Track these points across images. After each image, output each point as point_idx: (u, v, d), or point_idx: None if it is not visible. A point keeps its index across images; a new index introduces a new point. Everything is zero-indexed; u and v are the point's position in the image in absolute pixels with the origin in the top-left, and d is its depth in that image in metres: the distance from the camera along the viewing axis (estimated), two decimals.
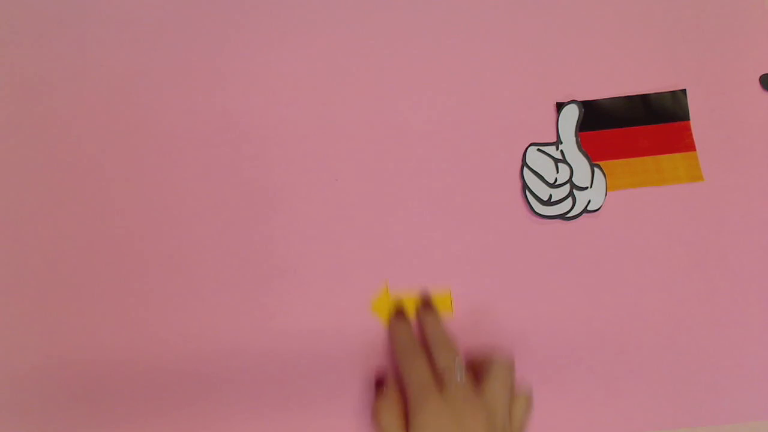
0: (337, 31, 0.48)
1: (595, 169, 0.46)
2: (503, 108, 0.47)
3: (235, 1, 0.49)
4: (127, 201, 0.45)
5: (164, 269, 0.44)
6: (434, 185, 0.46)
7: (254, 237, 0.45)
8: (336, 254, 0.45)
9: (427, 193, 0.45)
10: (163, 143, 0.46)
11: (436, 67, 0.48)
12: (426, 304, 0.44)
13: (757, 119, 0.47)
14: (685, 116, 0.47)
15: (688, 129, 0.47)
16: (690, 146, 0.46)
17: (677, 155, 0.46)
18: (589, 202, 0.45)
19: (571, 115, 0.47)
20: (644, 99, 0.47)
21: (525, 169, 0.46)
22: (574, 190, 0.45)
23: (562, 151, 0.46)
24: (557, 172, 0.46)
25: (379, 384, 0.42)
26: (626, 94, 0.47)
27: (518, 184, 0.46)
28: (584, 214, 0.45)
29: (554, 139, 0.46)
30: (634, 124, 0.47)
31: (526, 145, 0.46)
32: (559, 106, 0.47)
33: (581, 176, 0.46)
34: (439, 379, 0.38)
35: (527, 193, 0.45)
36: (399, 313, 0.43)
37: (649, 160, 0.46)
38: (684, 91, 0.47)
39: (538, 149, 0.46)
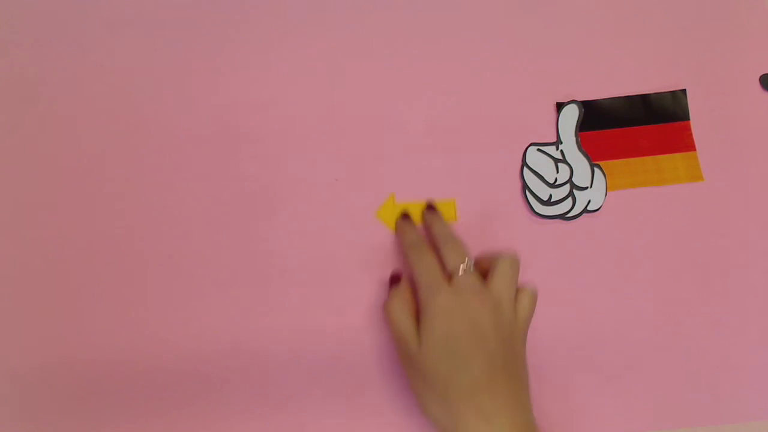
0: (337, 31, 0.48)
1: (595, 169, 0.46)
2: (503, 108, 0.47)
3: (234, 1, 0.49)
4: (127, 201, 0.45)
5: (164, 269, 0.44)
6: (434, 185, 0.45)
7: (254, 237, 0.45)
8: (336, 254, 0.45)
9: (427, 194, 0.45)
10: (164, 143, 0.46)
11: (436, 67, 0.48)
12: (431, 208, 0.45)
13: (757, 119, 0.47)
14: (685, 116, 0.47)
15: (688, 129, 0.47)
16: (690, 146, 0.46)
17: (677, 155, 0.46)
18: (589, 202, 0.45)
19: (571, 115, 0.47)
20: (644, 99, 0.47)
21: (525, 169, 0.46)
22: (574, 190, 0.45)
23: (562, 151, 0.46)
24: (557, 172, 0.46)
25: (394, 282, 0.42)
26: (626, 94, 0.47)
27: (518, 184, 0.46)
28: (584, 214, 0.45)
29: (554, 139, 0.46)
30: (634, 124, 0.47)
31: (526, 145, 0.46)
32: (559, 106, 0.47)
33: (581, 176, 0.46)
34: (447, 274, 0.39)
35: (527, 193, 0.45)
36: (405, 215, 0.45)
37: (649, 160, 0.46)
38: (684, 91, 0.47)
39: (538, 149, 0.46)
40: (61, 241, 0.45)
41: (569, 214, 0.45)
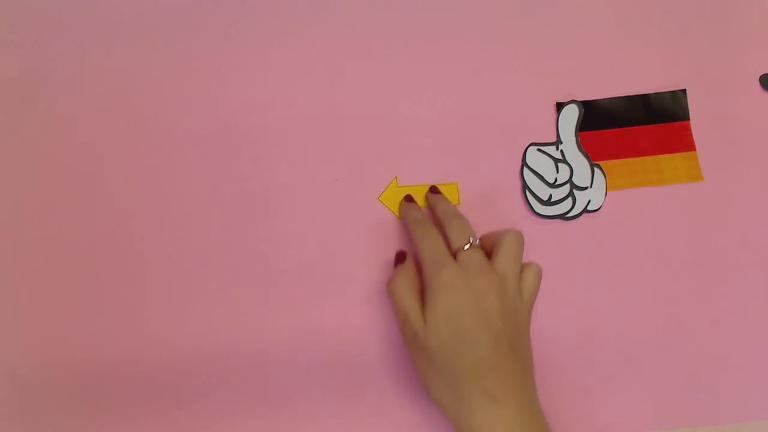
0: (337, 32, 0.48)
1: (595, 169, 0.46)
2: (503, 108, 0.47)
3: (235, 2, 0.49)
4: (127, 201, 0.45)
5: (164, 269, 0.44)
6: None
7: (254, 237, 0.45)
8: (336, 254, 0.45)
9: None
10: (164, 143, 0.46)
11: (436, 67, 0.48)
12: (434, 190, 0.45)
13: (757, 119, 0.47)
14: (685, 116, 0.47)
15: (688, 129, 0.47)
16: (690, 146, 0.46)
17: (677, 155, 0.46)
18: (589, 202, 0.45)
19: (571, 115, 0.47)
20: (644, 99, 0.47)
21: (525, 169, 0.46)
22: (574, 190, 0.45)
23: (562, 151, 0.46)
24: (557, 172, 0.46)
25: (399, 261, 0.42)
26: (626, 94, 0.47)
27: (518, 184, 0.46)
28: (584, 214, 0.45)
29: (554, 139, 0.46)
30: (634, 124, 0.47)
31: (526, 145, 0.46)
32: (559, 106, 0.47)
33: (581, 176, 0.46)
34: (453, 252, 0.39)
35: (527, 193, 0.45)
36: (408, 197, 0.44)
37: (649, 160, 0.46)
38: (684, 91, 0.47)
39: (538, 149, 0.46)
40: (61, 241, 0.45)
41: (569, 214, 0.45)
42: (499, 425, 0.35)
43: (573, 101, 0.47)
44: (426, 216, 0.42)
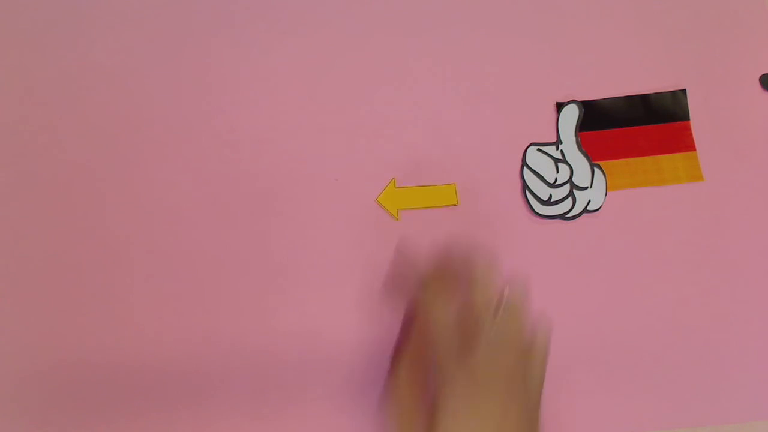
0: (336, 31, 0.48)
1: (595, 169, 0.46)
2: (503, 108, 0.47)
3: (235, 2, 0.49)
4: (127, 202, 0.45)
5: (165, 270, 0.44)
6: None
7: (254, 237, 0.45)
8: (335, 255, 0.45)
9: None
10: (164, 143, 0.46)
11: (436, 67, 0.48)
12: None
13: (757, 119, 0.47)
14: (685, 116, 0.47)
15: (688, 129, 0.47)
16: (690, 146, 0.46)
17: (677, 155, 0.46)
18: (589, 202, 0.45)
19: (571, 115, 0.47)
20: (644, 99, 0.47)
21: (525, 169, 0.46)
22: (574, 190, 0.45)
23: (562, 151, 0.46)
24: (557, 172, 0.46)
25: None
26: (626, 94, 0.47)
27: (518, 184, 0.46)
28: (584, 214, 0.45)
29: (554, 139, 0.46)
30: (634, 124, 0.47)
31: (526, 145, 0.46)
32: (559, 106, 0.47)
33: (581, 176, 0.46)
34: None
35: (527, 193, 0.45)
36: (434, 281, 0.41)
37: (649, 160, 0.46)
38: (684, 91, 0.47)
39: (538, 149, 0.46)
40: (61, 243, 0.45)
41: (569, 214, 0.45)
42: None
43: (573, 101, 0.47)
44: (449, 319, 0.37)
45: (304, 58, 0.48)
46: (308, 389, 0.43)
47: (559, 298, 0.44)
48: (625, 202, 0.45)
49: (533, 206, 0.45)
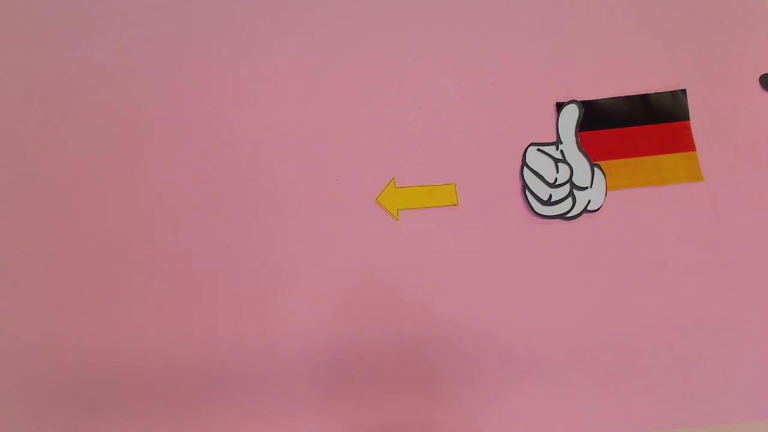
0: (336, 31, 0.48)
1: (595, 169, 0.46)
2: (503, 108, 0.47)
3: (235, 3, 0.49)
4: (127, 202, 0.45)
5: (164, 270, 0.44)
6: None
7: (254, 237, 0.45)
8: (335, 255, 0.45)
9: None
10: (163, 144, 0.46)
11: (436, 67, 0.48)
12: None
13: (757, 119, 0.47)
14: (685, 116, 0.47)
15: (688, 129, 0.47)
16: (690, 146, 0.46)
17: (677, 155, 0.46)
18: (589, 202, 0.45)
19: (571, 115, 0.47)
20: (644, 99, 0.47)
21: (525, 169, 0.46)
22: (574, 190, 0.45)
23: (562, 151, 0.46)
24: (557, 172, 0.46)
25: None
26: (626, 94, 0.47)
27: (518, 184, 0.46)
28: (584, 214, 0.45)
29: (554, 139, 0.46)
30: (634, 124, 0.47)
31: (526, 145, 0.46)
32: (559, 106, 0.47)
33: (581, 176, 0.46)
34: None
35: (527, 193, 0.45)
36: None
37: (649, 160, 0.46)
38: (684, 91, 0.47)
39: (538, 149, 0.46)
40: (61, 243, 0.45)
41: (569, 214, 0.45)
42: None
43: (573, 101, 0.47)
44: None
45: (304, 58, 0.48)
46: (308, 389, 0.43)
47: (559, 298, 0.44)
48: (625, 202, 0.45)
49: (533, 206, 0.45)
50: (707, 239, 0.45)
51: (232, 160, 0.46)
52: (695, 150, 0.46)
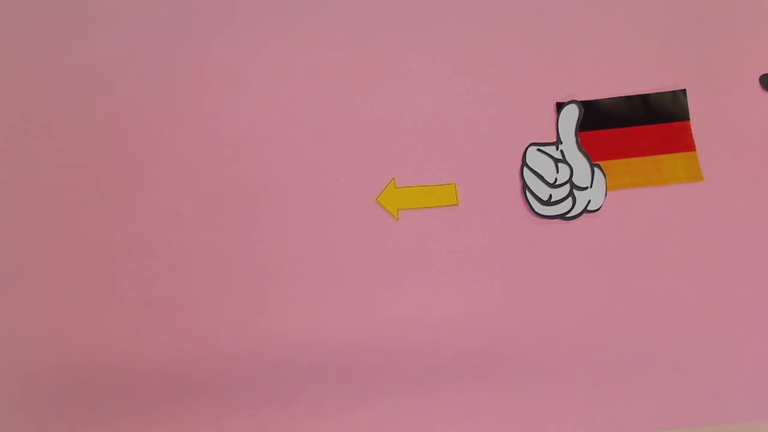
0: (336, 31, 0.48)
1: (595, 169, 0.46)
2: (503, 108, 0.47)
3: (235, 3, 0.49)
4: (125, 203, 0.45)
5: (164, 271, 0.44)
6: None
7: (253, 237, 0.45)
8: (335, 255, 0.45)
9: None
10: (163, 145, 0.46)
11: (436, 67, 0.48)
12: None
13: (757, 119, 0.47)
14: (685, 116, 0.47)
15: (688, 129, 0.47)
16: (690, 146, 0.46)
17: (677, 155, 0.46)
18: (589, 202, 0.45)
19: (571, 115, 0.47)
20: (644, 99, 0.47)
21: (525, 169, 0.46)
22: (574, 190, 0.45)
23: (562, 151, 0.46)
24: (557, 172, 0.46)
25: None
26: (626, 94, 0.47)
27: (518, 184, 0.46)
28: (584, 214, 0.45)
29: (554, 139, 0.46)
30: (634, 124, 0.47)
31: (526, 145, 0.46)
32: (559, 106, 0.47)
33: (581, 176, 0.46)
34: None
35: (527, 193, 0.45)
36: None
37: (649, 160, 0.46)
38: (684, 91, 0.47)
39: (538, 149, 0.46)
40: (60, 243, 0.45)
41: (569, 214, 0.45)
42: None
43: (573, 101, 0.47)
44: None
45: (304, 57, 0.48)
46: (308, 389, 0.43)
47: (559, 298, 0.44)
48: (625, 202, 0.45)
49: (533, 206, 0.45)
50: (707, 239, 0.45)
51: (232, 160, 0.46)
52: (695, 150, 0.46)
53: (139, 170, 0.46)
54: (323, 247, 0.45)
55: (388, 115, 0.47)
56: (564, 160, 0.46)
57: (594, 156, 0.46)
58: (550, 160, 0.46)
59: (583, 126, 0.46)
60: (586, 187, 0.45)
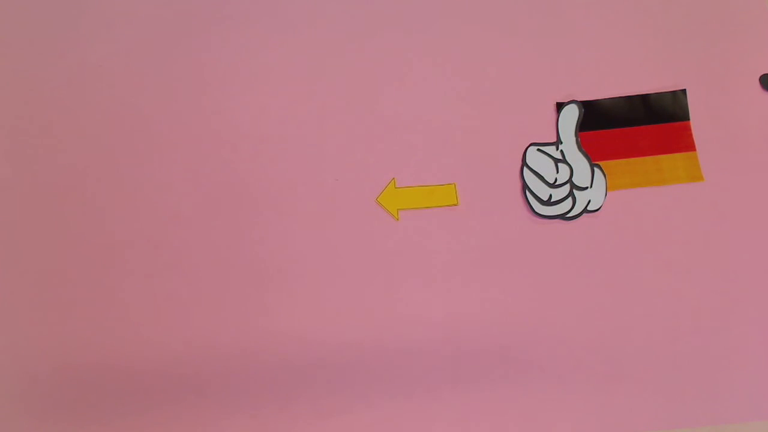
0: (336, 31, 0.48)
1: (595, 169, 0.46)
2: (503, 108, 0.47)
3: (235, 4, 0.49)
4: (125, 203, 0.45)
5: (164, 271, 0.44)
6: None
7: (253, 237, 0.45)
8: (335, 255, 0.45)
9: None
10: (163, 144, 0.46)
11: (436, 67, 0.48)
12: None
13: (757, 119, 0.47)
14: (685, 116, 0.47)
15: (688, 129, 0.47)
16: (690, 146, 0.46)
17: (677, 155, 0.46)
18: (589, 202, 0.45)
19: (571, 115, 0.47)
20: (644, 99, 0.47)
21: (525, 169, 0.46)
22: (574, 190, 0.45)
23: (562, 151, 0.46)
24: (557, 172, 0.46)
25: None
26: (626, 94, 0.47)
27: (518, 184, 0.46)
28: (584, 214, 0.45)
29: (554, 139, 0.46)
30: (634, 124, 0.47)
31: (526, 145, 0.46)
32: (559, 106, 0.47)
33: (581, 176, 0.46)
34: None
35: (527, 193, 0.45)
36: None
37: (649, 160, 0.46)
38: (684, 91, 0.47)
39: (538, 149, 0.46)
40: (60, 244, 0.45)
41: (569, 214, 0.45)
42: None
43: (573, 101, 0.47)
44: None
45: (304, 57, 0.48)
46: (308, 389, 0.43)
47: (559, 298, 0.44)
48: (625, 202, 0.45)
49: (533, 206, 0.45)
50: (707, 239, 0.45)
51: (232, 160, 0.46)
52: (695, 150, 0.46)
53: (139, 170, 0.46)
54: (323, 247, 0.45)
55: (388, 115, 0.47)
56: (564, 160, 0.46)
57: (594, 156, 0.46)
58: (550, 160, 0.46)
59: (583, 126, 0.46)
60: (586, 187, 0.45)
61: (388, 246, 0.45)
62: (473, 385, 0.43)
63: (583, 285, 0.44)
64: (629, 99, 0.47)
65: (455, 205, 0.45)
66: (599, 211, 0.45)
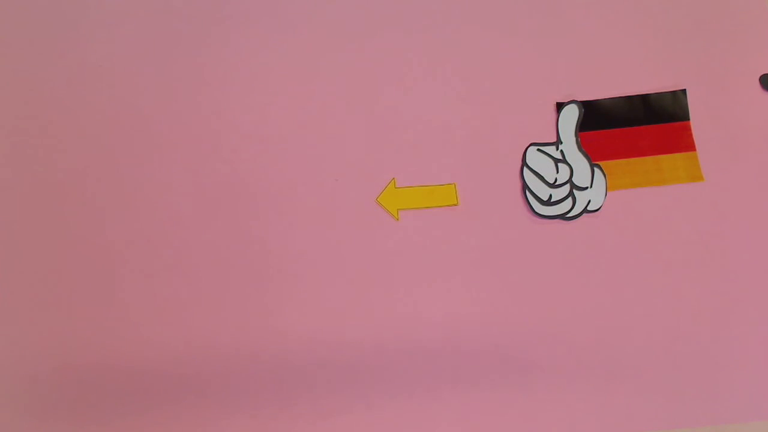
0: (336, 31, 0.48)
1: (595, 169, 0.46)
2: (503, 108, 0.47)
3: (234, 4, 0.49)
4: (125, 204, 0.45)
5: (164, 271, 0.44)
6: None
7: (253, 237, 0.45)
8: (335, 255, 0.45)
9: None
10: (163, 145, 0.46)
11: (436, 67, 0.48)
12: None
13: (757, 119, 0.47)
14: (685, 116, 0.47)
15: (688, 129, 0.47)
16: (690, 146, 0.46)
17: (677, 155, 0.46)
18: (589, 202, 0.45)
19: (571, 115, 0.47)
20: (644, 99, 0.47)
21: (525, 169, 0.46)
22: (574, 190, 0.45)
23: (562, 151, 0.46)
24: (557, 172, 0.46)
25: None
26: (626, 94, 0.47)
27: (518, 184, 0.46)
28: (584, 214, 0.45)
29: (554, 139, 0.46)
30: (634, 124, 0.47)
31: (526, 145, 0.46)
32: (559, 106, 0.47)
33: (581, 176, 0.46)
34: None
35: (527, 193, 0.45)
36: None
37: (649, 160, 0.46)
38: (684, 91, 0.47)
39: (538, 149, 0.46)
40: (60, 244, 0.45)
41: (569, 214, 0.45)
42: None
43: (573, 101, 0.47)
44: None
45: (304, 57, 0.48)
46: (308, 389, 0.43)
47: (559, 298, 0.44)
48: (625, 202, 0.45)
49: (533, 206, 0.45)
50: (707, 239, 0.45)
51: (232, 160, 0.46)
52: (695, 150, 0.46)
53: (139, 170, 0.46)
54: (323, 246, 0.45)
55: (388, 115, 0.47)
56: (564, 160, 0.46)
57: (594, 156, 0.46)
58: (550, 160, 0.46)
59: (583, 126, 0.46)
60: (586, 187, 0.45)
61: (388, 246, 0.45)
62: (473, 385, 0.43)
63: (583, 285, 0.44)
64: (629, 99, 0.47)
65: (455, 205, 0.45)
66: (599, 211, 0.45)
